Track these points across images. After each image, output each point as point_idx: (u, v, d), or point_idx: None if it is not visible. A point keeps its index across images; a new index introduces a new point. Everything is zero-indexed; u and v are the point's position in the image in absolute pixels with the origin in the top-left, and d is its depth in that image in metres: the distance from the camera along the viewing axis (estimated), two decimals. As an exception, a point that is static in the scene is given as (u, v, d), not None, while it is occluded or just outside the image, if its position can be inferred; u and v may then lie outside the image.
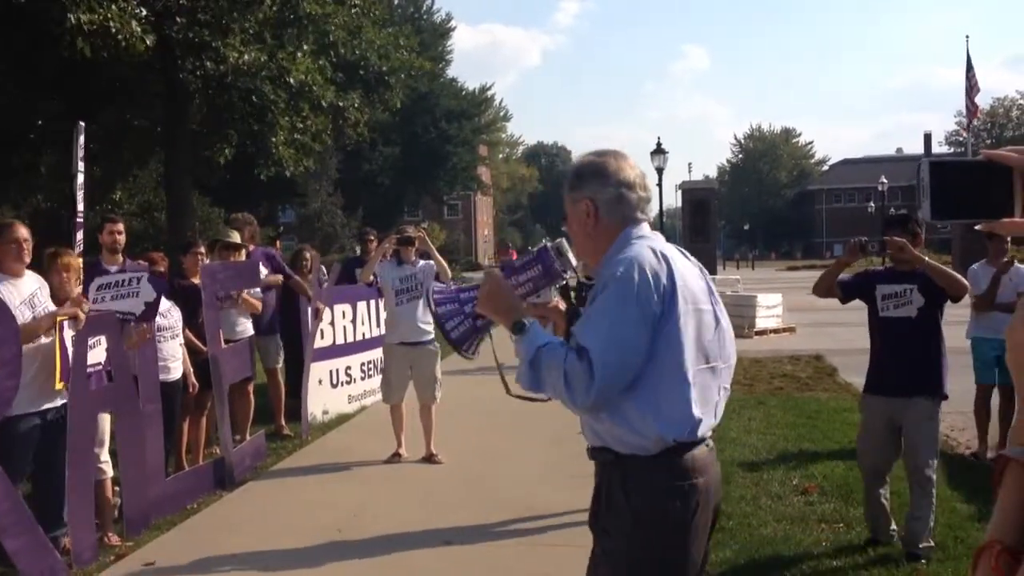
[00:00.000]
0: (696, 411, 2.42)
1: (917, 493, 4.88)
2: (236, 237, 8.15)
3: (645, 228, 2.60)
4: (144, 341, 5.81)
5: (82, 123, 6.89)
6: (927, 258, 4.92)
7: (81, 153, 6.69)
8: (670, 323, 2.39)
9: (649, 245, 2.49)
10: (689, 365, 2.41)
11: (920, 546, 4.81)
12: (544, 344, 2.43)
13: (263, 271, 8.35)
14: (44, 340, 4.98)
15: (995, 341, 6.75)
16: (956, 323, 5.52)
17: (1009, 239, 6.80)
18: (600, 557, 2.61)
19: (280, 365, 8.85)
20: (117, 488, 5.82)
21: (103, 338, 5.47)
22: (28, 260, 5.15)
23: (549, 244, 2.86)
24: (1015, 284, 6.82)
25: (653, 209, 2.67)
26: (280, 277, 8.63)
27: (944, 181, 1.18)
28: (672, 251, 2.54)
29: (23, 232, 5.09)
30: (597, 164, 2.62)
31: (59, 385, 4.99)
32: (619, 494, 2.50)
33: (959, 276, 4.89)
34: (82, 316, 5.08)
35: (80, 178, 6.67)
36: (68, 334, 5.11)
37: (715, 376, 2.50)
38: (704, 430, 2.47)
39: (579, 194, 2.60)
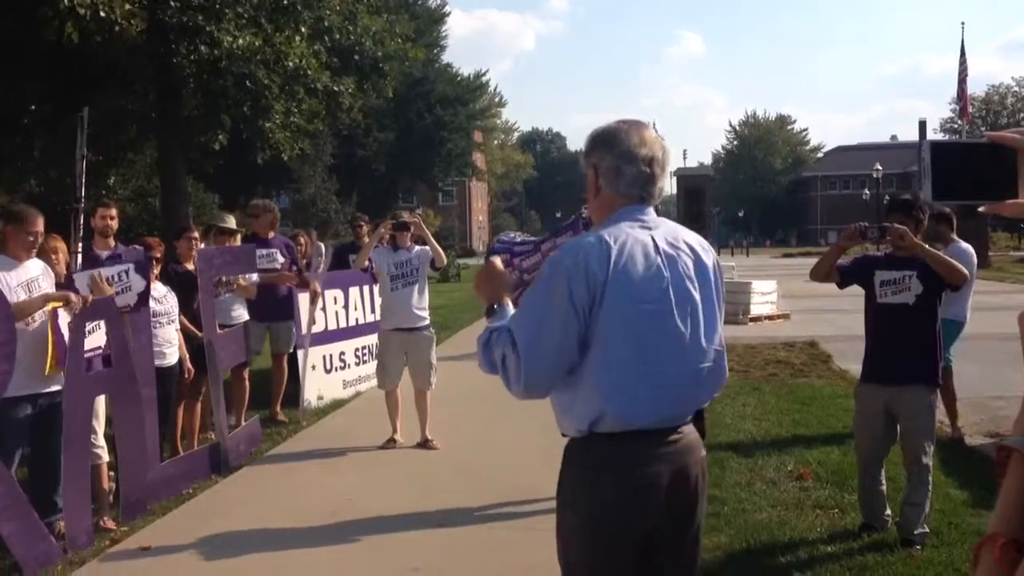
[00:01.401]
0: (606, 404, 2.39)
1: (913, 480, 4.88)
2: (231, 222, 8.14)
3: (645, 210, 2.53)
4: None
5: (86, 108, 6.86)
6: (927, 245, 4.89)
7: (85, 139, 6.69)
8: (601, 320, 2.35)
9: (621, 230, 2.44)
10: (611, 358, 2.37)
11: (915, 532, 4.82)
12: (496, 327, 2.44)
13: (279, 260, 8.41)
14: (35, 325, 4.97)
15: (954, 324, 6.79)
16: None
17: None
18: None
19: (291, 351, 8.86)
20: (112, 473, 5.82)
21: (102, 323, 5.45)
22: (35, 253, 5.22)
23: (583, 217, 2.89)
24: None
25: (664, 191, 2.58)
26: (295, 276, 8.64)
27: (946, 162, 1.18)
28: (638, 243, 2.44)
29: (40, 226, 5.17)
30: (609, 130, 2.55)
31: (49, 370, 4.98)
32: (562, 474, 2.57)
33: (959, 264, 4.84)
34: (75, 300, 5.08)
35: (83, 163, 6.67)
36: (64, 319, 5.10)
37: (651, 373, 2.40)
38: (615, 424, 2.40)
39: (587, 160, 2.57)
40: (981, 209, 1.17)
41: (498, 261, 2.74)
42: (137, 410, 5.71)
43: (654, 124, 2.55)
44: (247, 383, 8.04)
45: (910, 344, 4.85)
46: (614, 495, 2.42)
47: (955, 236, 7.19)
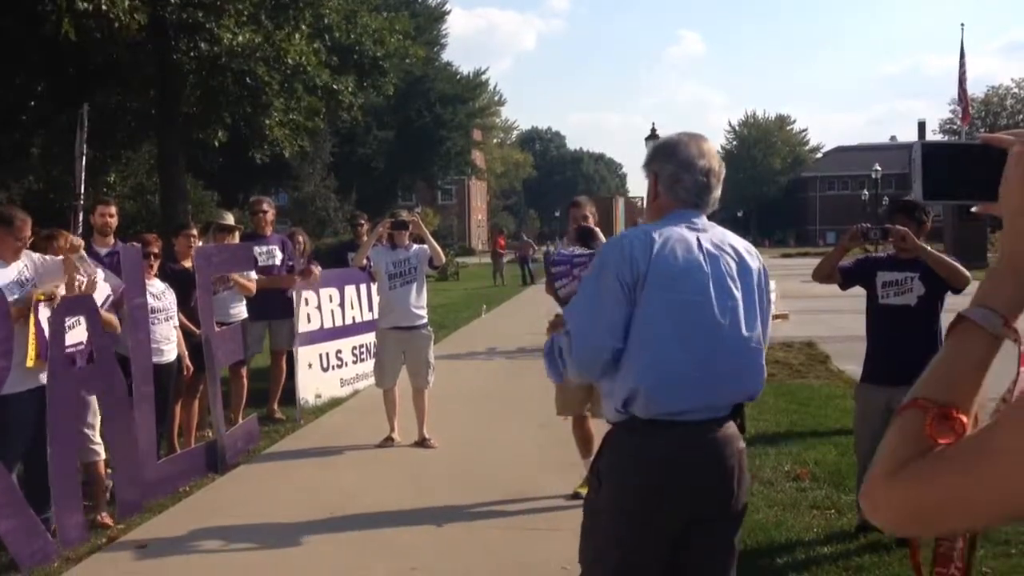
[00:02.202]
0: (640, 382, 2.53)
1: None
2: (230, 219, 8.14)
3: (697, 215, 2.69)
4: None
5: (87, 105, 6.85)
6: (930, 247, 4.88)
7: (84, 136, 6.67)
8: (641, 304, 2.52)
9: (668, 227, 2.61)
10: (649, 344, 2.52)
11: None
12: (553, 337, 2.66)
13: (279, 256, 8.46)
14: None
15: None
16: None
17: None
18: None
19: (291, 348, 8.86)
20: (110, 470, 5.81)
21: (82, 318, 5.40)
22: (21, 255, 5.19)
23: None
24: None
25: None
26: (294, 278, 8.63)
27: (937, 163, 1.18)
28: (682, 240, 2.59)
29: (28, 230, 5.15)
30: (670, 142, 2.77)
31: (31, 363, 4.95)
32: (600, 457, 2.71)
33: (961, 268, 4.84)
34: (58, 296, 5.07)
35: (83, 161, 6.66)
36: (43, 314, 5.06)
37: (686, 358, 2.54)
38: (647, 404, 2.54)
39: (648, 168, 2.77)
40: (973, 210, 1.17)
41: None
42: (122, 407, 5.66)
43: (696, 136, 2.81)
44: (245, 380, 8.04)
45: (911, 345, 4.84)
46: (647, 478, 2.54)
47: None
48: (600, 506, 2.65)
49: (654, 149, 2.78)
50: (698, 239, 2.61)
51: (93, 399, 5.60)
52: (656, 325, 2.52)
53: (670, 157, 2.69)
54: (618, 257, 2.55)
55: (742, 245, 2.73)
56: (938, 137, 79.31)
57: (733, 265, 2.64)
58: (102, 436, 5.71)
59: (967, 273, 4.84)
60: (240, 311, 7.88)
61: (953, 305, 4.88)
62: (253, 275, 7.93)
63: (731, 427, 2.65)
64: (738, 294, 2.62)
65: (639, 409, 2.55)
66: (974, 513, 1.00)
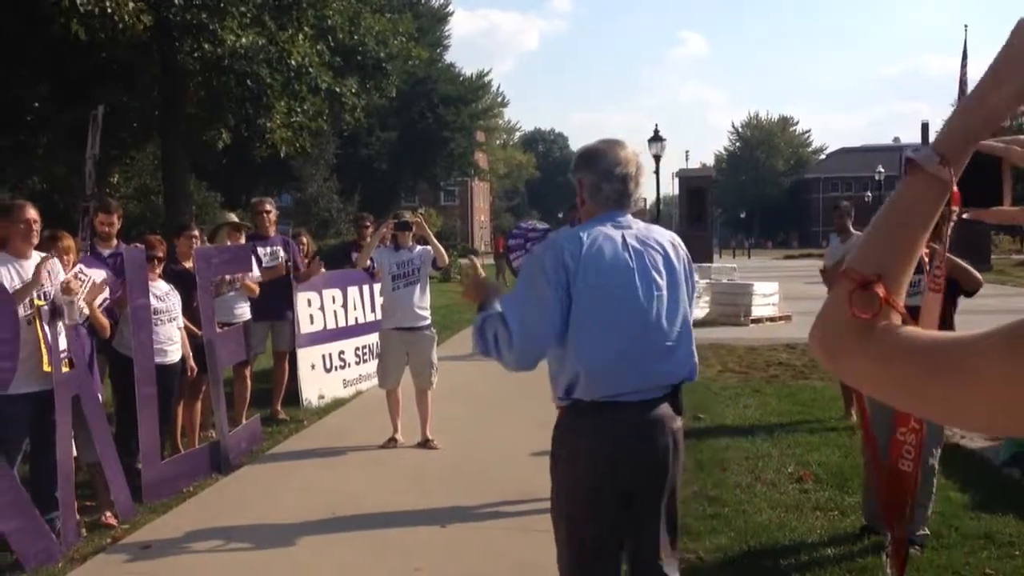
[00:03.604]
0: (579, 366, 2.83)
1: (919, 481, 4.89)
2: (234, 218, 8.20)
3: (622, 214, 2.98)
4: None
5: (101, 107, 6.86)
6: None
7: (98, 137, 6.68)
8: (575, 299, 2.80)
9: (596, 228, 2.90)
10: (583, 321, 2.81)
11: (917, 534, 4.82)
12: (488, 314, 2.87)
13: (282, 256, 8.50)
14: (31, 323, 4.96)
15: None
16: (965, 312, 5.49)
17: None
18: None
19: (292, 349, 8.88)
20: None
21: (61, 323, 5.36)
22: (36, 241, 5.18)
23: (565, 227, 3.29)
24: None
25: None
26: (310, 272, 8.67)
27: None
28: (608, 239, 2.88)
29: (32, 213, 5.11)
30: (590, 151, 3.04)
31: (47, 367, 4.97)
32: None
33: (975, 272, 4.89)
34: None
35: (93, 162, 6.66)
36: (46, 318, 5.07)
37: (618, 346, 2.83)
38: (589, 385, 2.83)
39: (577, 172, 3.03)
40: (965, 215, 1.17)
41: (480, 270, 3.15)
42: (94, 410, 5.52)
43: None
44: (249, 381, 8.05)
45: None
46: (593, 456, 2.86)
47: (854, 229, 7.89)
48: (559, 479, 2.96)
49: (577, 158, 3.06)
50: (623, 236, 2.91)
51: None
52: (589, 316, 2.80)
53: (590, 167, 2.98)
54: (552, 259, 2.81)
55: (667, 238, 3.04)
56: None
57: (659, 258, 2.94)
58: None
59: (980, 277, 4.91)
60: (244, 312, 7.89)
61: (966, 308, 4.92)
62: (257, 275, 7.95)
63: (666, 407, 2.93)
64: (663, 283, 2.92)
65: (581, 392, 2.84)
66: (928, 410, 1.04)
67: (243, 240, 8.18)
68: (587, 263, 2.81)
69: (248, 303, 7.97)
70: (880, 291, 1.06)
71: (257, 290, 7.94)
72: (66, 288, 5.10)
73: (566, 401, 2.90)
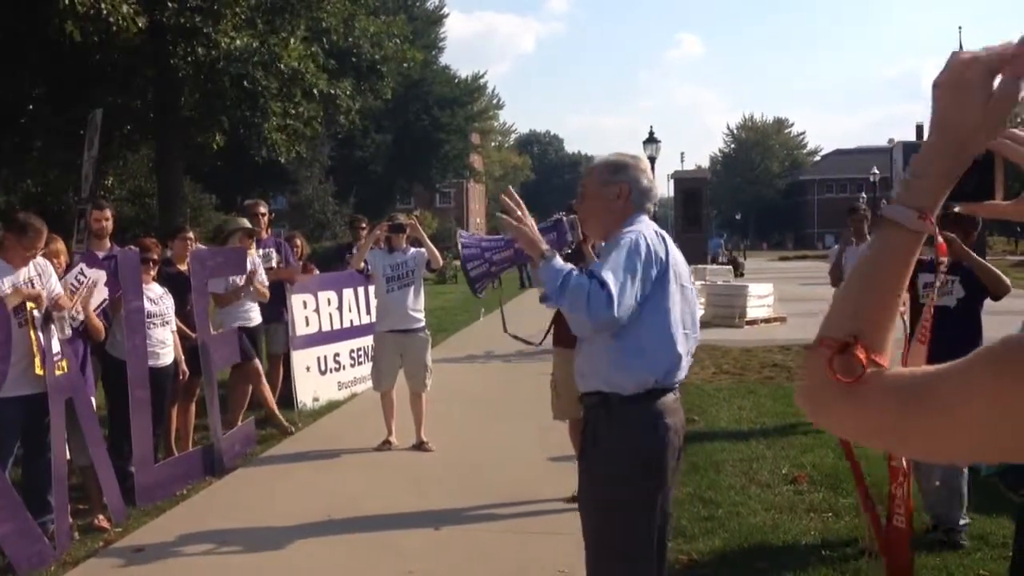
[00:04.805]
0: (673, 360, 3.04)
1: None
2: (247, 224, 8.25)
3: (647, 218, 3.23)
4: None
5: (101, 110, 6.86)
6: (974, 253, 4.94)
7: (97, 139, 6.68)
8: (663, 286, 3.00)
9: (653, 228, 3.15)
10: (673, 323, 3.02)
11: (961, 523, 4.90)
12: (570, 271, 2.96)
13: (275, 258, 8.59)
14: (25, 326, 4.95)
15: None
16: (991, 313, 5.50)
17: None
18: (580, 504, 3.14)
19: (286, 352, 8.88)
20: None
21: (53, 327, 5.36)
22: (30, 262, 5.19)
23: (565, 218, 3.42)
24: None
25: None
26: (293, 271, 8.69)
27: None
28: (662, 238, 3.12)
29: (42, 243, 5.16)
30: (630, 159, 3.31)
31: (40, 370, 4.96)
32: (603, 429, 3.04)
33: (1004, 277, 4.93)
34: (43, 298, 5.06)
35: (91, 164, 6.66)
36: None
37: (685, 340, 3.10)
38: (676, 379, 3.08)
39: (616, 178, 3.20)
40: (957, 209, 1.17)
41: (525, 217, 3.19)
42: (87, 413, 5.53)
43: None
44: (249, 386, 8.03)
45: (948, 345, 4.85)
46: (672, 438, 3.04)
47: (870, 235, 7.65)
48: (617, 469, 3.00)
49: (620, 165, 3.24)
50: (663, 235, 3.15)
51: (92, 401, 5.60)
52: (663, 314, 3.01)
53: (640, 172, 3.24)
54: (654, 248, 3.01)
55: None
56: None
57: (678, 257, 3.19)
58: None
59: (1008, 282, 4.95)
60: (256, 316, 7.98)
61: (992, 309, 4.93)
62: (264, 278, 8.02)
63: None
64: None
65: (661, 378, 3.01)
66: (906, 448, 1.07)
67: (254, 247, 8.19)
68: (674, 257, 3.08)
69: (258, 307, 8.07)
70: (860, 353, 1.03)
71: (268, 294, 8.02)
72: (56, 304, 5.11)
73: (638, 388, 3.00)
